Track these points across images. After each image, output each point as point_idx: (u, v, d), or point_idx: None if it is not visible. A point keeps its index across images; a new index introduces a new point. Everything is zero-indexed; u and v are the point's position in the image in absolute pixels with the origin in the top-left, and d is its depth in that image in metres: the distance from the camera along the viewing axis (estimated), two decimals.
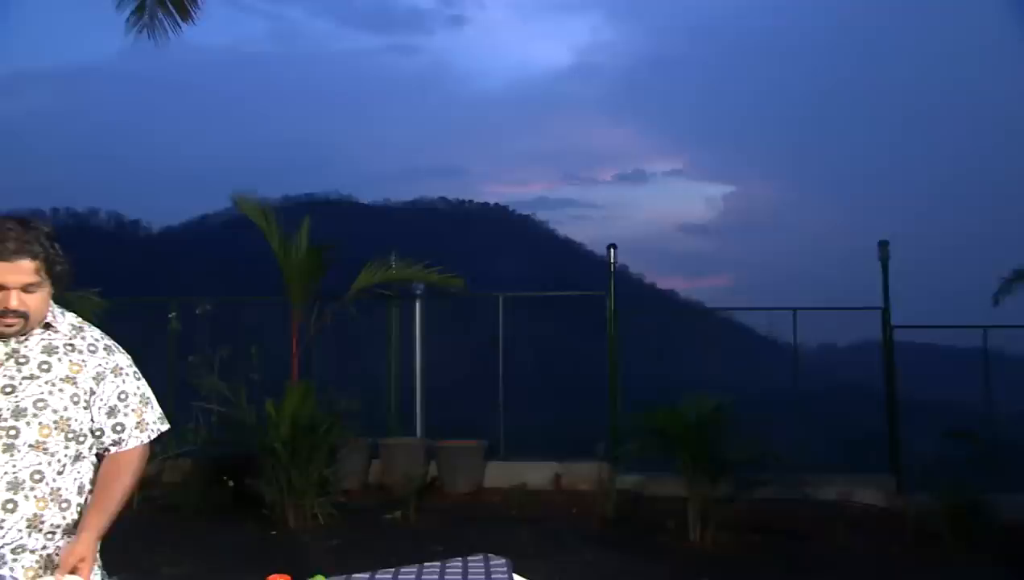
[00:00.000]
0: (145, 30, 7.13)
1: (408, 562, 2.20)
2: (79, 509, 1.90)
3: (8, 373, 1.85)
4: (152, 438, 2.03)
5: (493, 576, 2.15)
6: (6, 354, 1.86)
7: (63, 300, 2.10)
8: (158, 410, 2.07)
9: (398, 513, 6.52)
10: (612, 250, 7.88)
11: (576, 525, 6.31)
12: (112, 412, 1.95)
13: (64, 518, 1.86)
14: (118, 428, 1.95)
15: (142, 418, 1.99)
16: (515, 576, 2.16)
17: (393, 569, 2.15)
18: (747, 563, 5.45)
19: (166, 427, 2.08)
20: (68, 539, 1.88)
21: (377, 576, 2.10)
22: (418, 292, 8.32)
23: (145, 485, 2.17)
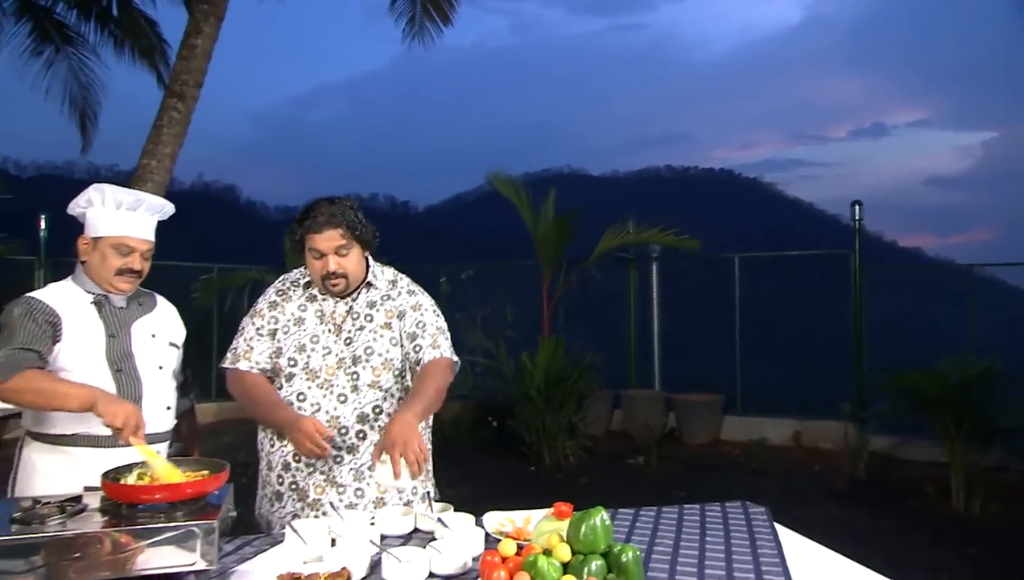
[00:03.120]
0: (416, 37, 7.81)
1: (653, 504, 2.17)
2: None
3: (347, 327, 2.10)
4: (448, 357, 2.12)
5: (753, 522, 2.05)
6: (345, 312, 2.12)
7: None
8: (451, 346, 2.18)
9: (640, 459, 6.56)
10: (857, 207, 7.06)
11: (820, 482, 5.85)
12: (412, 337, 2.11)
13: None
14: (417, 348, 2.10)
15: (436, 341, 2.11)
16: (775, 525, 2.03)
17: (655, 508, 2.14)
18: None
19: (456, 359, 2.17)
20: None
21: (641, 513, 2.11)
22: (655, 254, 8.21)
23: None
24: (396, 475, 1.76)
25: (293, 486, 2.08)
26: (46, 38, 8.89)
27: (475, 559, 1.64)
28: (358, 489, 2.05)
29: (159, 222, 2.11)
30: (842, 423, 6.31)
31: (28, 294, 1.96)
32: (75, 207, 2.03)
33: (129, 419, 1.76)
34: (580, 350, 6.77)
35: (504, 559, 1.51)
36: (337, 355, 2.07)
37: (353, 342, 2.09)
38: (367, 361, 2.07)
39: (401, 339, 2.11)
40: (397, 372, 2.10)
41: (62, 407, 1.84)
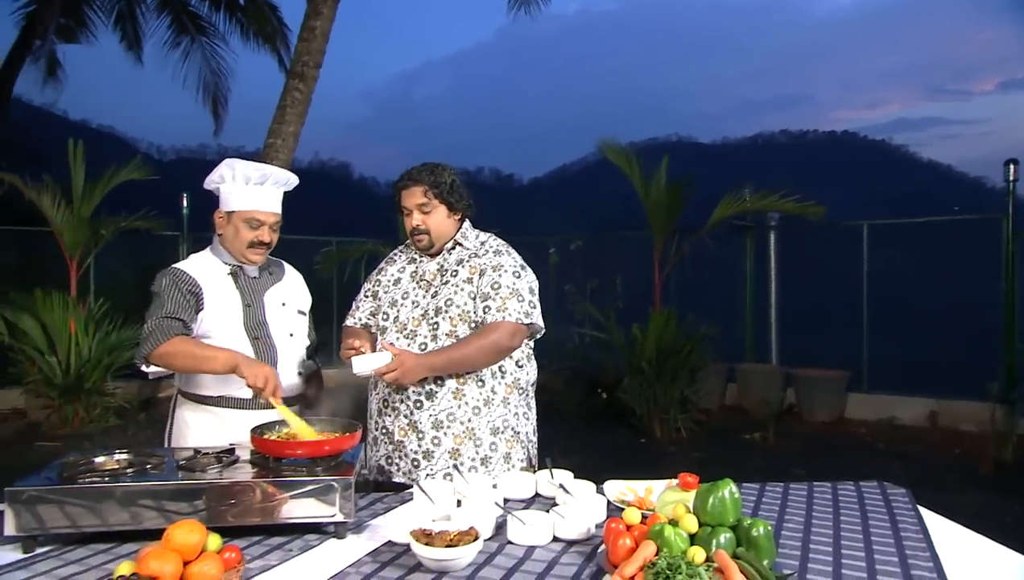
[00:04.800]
0: (522, 6, 7.76)
1: (771, 480, 2.08)
2: (491, 387, 2.16)
3: (435, 282, 2.19)
4: (512, 321, 2.08)
5: (893, 504, 1.92)
6: (437, 269, 2.21)
7: None
8: (528, 308, 2.12)
9: (756, 435, 6.34)
10: (1012, 166, 6.36)
11: (960, 467, 5.42)
12: (484, 297, 2.13)
13: (481, 394, 2.14)
14: (485, 309, 2.11)
15: (505, 305, 2.10)
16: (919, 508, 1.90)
17: (782, 484, 2.06)
18: None
19: (531, 322, 2.12)
20: (487, 409, 2.14)
21: (767, 488, 2.03)
22: (773, 222, 7.82)
23: (537, 391, 2.38)
24: (377, 374, 1.96)
25: (383, 430, 2.19)
26: (183, 30, 9.61)
27: (598, 526, 1.64)
28: (435, 437, 2.11)
29: (286, 196, 2.23)
30: (987, 403, 5.79)
31: (173, 265, 2.14)
32: (210, 182, 2.19)
33: (269, 381, 1.91)
34: (693, 322, 6.58)
35: (629, 527, 1.50)
36: (423, 307, 2.16)
37: (438, 295, 2.17)
38: (447, 312, 2.13)
39: (477, 296, 2.14)
40: (474, 325, 2.13)
41: (209, 370, 2.01)
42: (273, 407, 1.92)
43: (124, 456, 1.67)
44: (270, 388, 1.90)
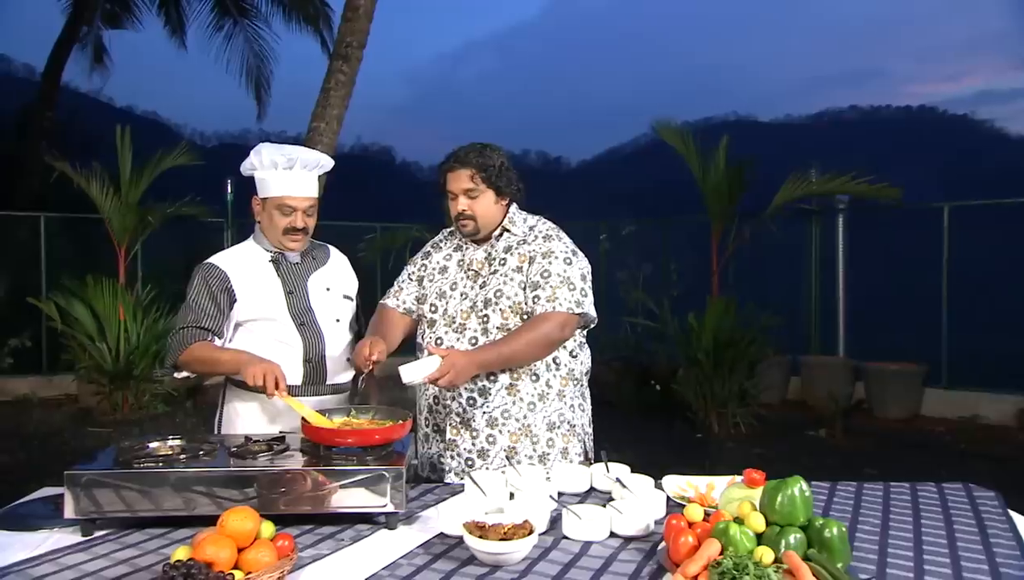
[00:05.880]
0: None
1: (839, 479, 2.03)
2: (546, 380, 2.13)
3: (484, 271, 2.16)
4: (563, 310, 2.04)
5: (980, 507, 1.85)
6: (484, 258, 2.18)
7: None
8: (580, 297, 2.08)
9: (822, 431, 6.20)
10: None
11: None
12: (533, 286, 2.08)
13: (535, 388, 2.12)
14: (535, 299, 2.07)
15: (555, 294, 2.05)
16: (1012, 513, 1.82)
17: (855, 484, 2.01)
18: None
19: (582, 311, 2.07)
20: (543, 403, 2.12)
21: (839, 487, 1.98)
22: (841, 206, 7.58)
23: (589, 382, 2.35)
24: (428, 380, 1.89)
25: (435, 428, 2.18)
26: (225, 13, 9.85)
27: (657, 522, 1.63)
28: (490, 435, 2.10)
29: (328, 181, 2.25)
30: None
31: (208, 260, 2.18)
32: (244, 169, 2.22)
33: (267, 376, 1.92)
34: (753, 311, 6.44)
35: (691, 524, 1.48)
36: (472, 300, 2.13)
37: (487, 286, 2.13)
38: (496, 304, 2.10)
39: (527, 285, 2.10)
40: (526, 317, 2.09)
41: (222, 372, 2.13)
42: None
43: (177, 442, 1.74)
44: (271, 383, 1.91)
